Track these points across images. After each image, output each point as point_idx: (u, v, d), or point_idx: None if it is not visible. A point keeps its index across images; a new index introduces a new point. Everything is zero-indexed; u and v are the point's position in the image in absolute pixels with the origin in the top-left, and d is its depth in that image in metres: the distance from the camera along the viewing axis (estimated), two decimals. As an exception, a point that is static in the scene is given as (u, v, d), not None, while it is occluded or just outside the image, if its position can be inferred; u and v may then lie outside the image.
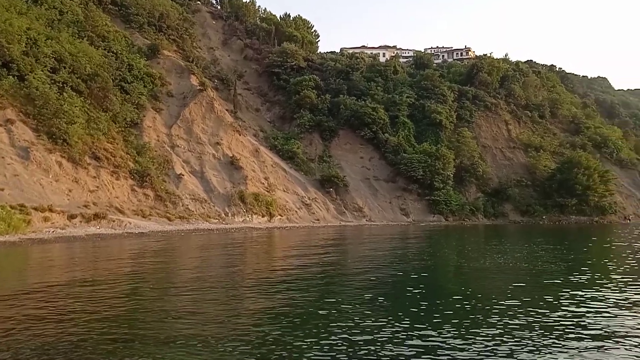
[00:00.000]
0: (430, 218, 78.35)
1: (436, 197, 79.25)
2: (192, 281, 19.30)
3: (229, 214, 57.43)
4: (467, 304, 14.80)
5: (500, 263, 24.67)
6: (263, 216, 60.64)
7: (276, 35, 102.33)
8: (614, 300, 14.99)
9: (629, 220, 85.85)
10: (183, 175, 57.55)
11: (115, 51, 62.63)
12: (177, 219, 50.62)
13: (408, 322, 12.18)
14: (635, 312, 13.45)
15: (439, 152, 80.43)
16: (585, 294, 15.89)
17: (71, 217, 39.37)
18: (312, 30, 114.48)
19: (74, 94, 50.35)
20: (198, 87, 69.39)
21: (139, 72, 63.79)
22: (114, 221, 42.80)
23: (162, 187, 53.09)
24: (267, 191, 64.66)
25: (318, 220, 67.59)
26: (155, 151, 57.83)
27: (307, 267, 23.91)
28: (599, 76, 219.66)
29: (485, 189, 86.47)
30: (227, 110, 74.14)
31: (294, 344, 10.44)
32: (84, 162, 46.57)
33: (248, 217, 58.75)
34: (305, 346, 10.27)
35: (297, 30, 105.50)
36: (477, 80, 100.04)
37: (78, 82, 52.38)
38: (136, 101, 60.46)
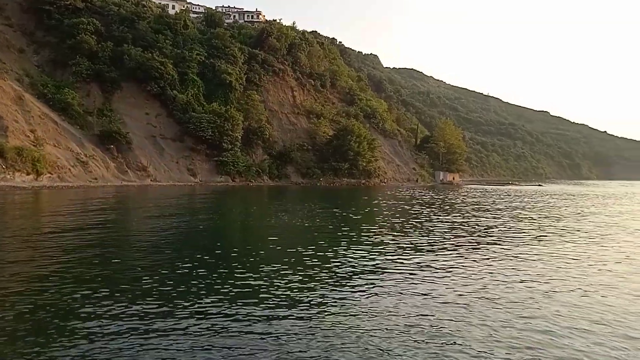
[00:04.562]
0: (217, 179, 78.67)
1: (224, 158, 79.80)
2: None
3: (-17, 171, 49.01)
4: (255, 261, 15.55)
5: (286, 221, 26.32)
6: (28, 174, 53.30)
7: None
8: (376, 247, 17.41)
9: (384, 182, 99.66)
10: None
11: None
12: None
13: (199, 278, 12.29)
14: (390, 254, 15.86)
15: (229, 114, 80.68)
16: (356, 243, 18.10)
17: None
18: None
19: None
20: (-62, 15, 56.42)
21: None
22: None
23: None
24: (33, 145, 56.73)
25: (96, 179, 62.20)
26: None
27: (83, 229, 22.03)
28: (371, 53, 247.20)
29: (271, 152, 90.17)
30: (-21, 47, 62.05)
31: (70, 307, 9.69)
32: None
33: (9, 174, 50.97)
34: (89, 309, 9.62)
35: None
36: (266, 45, 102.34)
37: None
38: None
